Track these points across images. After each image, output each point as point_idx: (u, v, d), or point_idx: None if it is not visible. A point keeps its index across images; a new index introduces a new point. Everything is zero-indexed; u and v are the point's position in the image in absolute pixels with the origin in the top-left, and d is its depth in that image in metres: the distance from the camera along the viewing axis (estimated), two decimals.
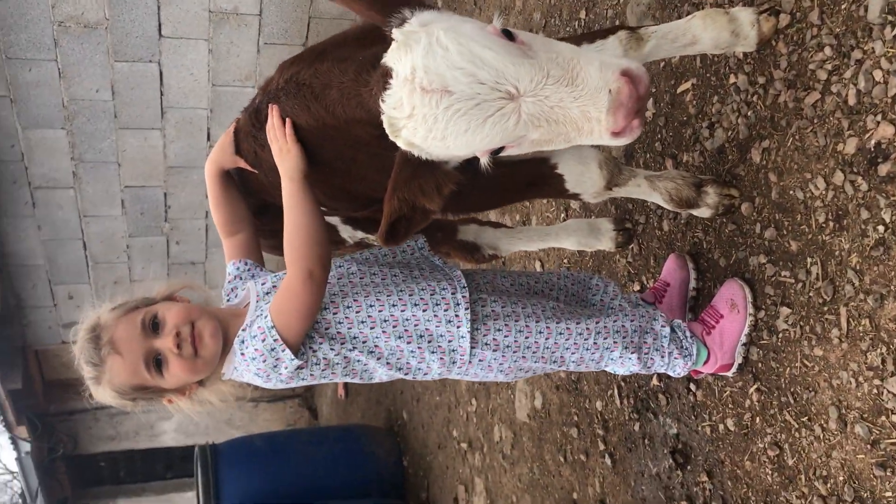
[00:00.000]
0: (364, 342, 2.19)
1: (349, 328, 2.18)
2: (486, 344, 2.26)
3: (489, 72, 1.66)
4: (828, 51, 2.25)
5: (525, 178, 2.37)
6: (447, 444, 6.18)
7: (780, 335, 2.47)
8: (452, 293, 2.25)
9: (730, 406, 2.73)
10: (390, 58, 1.77)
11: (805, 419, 2.39)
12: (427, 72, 1.67)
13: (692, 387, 2.92)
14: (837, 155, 2.23)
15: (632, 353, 2.41)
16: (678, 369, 2.53)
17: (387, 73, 1.76)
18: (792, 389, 2.44)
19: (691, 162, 2.87)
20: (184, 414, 2.29)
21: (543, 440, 4.30)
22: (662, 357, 2.47)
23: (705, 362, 2.56)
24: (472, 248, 3.07)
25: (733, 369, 2.62)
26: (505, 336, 2.27)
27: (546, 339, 2.30)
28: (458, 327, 2.22)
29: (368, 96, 1.88)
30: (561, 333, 2.32)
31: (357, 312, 2.18)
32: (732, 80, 2.63)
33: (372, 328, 2.18)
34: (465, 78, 1.65)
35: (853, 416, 2.21)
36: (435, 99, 1.67)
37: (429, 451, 6.61)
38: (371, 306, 2.19)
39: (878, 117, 2.09)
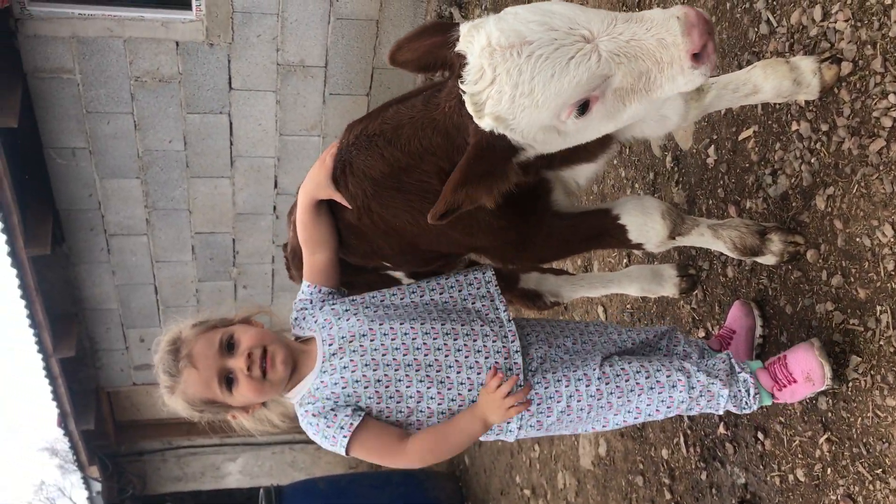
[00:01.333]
0: (418, 429, 2.27)
1: (407, 416, 2.26)
2: (531, 426, 2.33)
3: (561, 19, 1.70)
4: (892, 98, 2.24)
5: (588, 230, 2.39)
6: (510, 491, 6.14)
7: (850, 384, 2.42)
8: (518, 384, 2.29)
9: (799, 456, 2.67)
10: (462, 44, 1.81)
11: (879, 471, 2.33)
12: (502, 31, 1.71)
13: (760, 436, 2.87)
14: None
15: (677, 413, 2.41)
16: (734, 411, 2.48)
17: (460, 60, 1.80)
18: (864, 440, 2.39)
19: (754, 209, 2.86)
20: (245, 431, 2.39)
21: (608, 488, 4.25)
22: (717, 411, 2.44)
23: (775, 400, 2.50)
24: (533, 295, 3.09)
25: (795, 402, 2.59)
26: (547, 416, 2.31)
27: (588, 413, 2.33)
28: (508, 422, 2.30)
29: (441, 116, 1.96)
30: (602, 407, 2.34)
31: (418, 402, 2.25)
32: (795, 127, 2.63)
33: (429, 417, 2.27)
34: (540, 27, 1.69)
35: None
36: (516, 51, 1.68)
37: (491, 497, 6.57)
38: (431, 398, 2.25)
39: None
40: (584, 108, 1.77)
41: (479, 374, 2.27)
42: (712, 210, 3.14)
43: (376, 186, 2.23)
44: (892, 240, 2.26)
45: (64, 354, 7.82)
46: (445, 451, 2.29)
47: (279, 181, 7.54)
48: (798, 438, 2.68)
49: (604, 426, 2.41)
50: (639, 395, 2.33)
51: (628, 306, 3.97)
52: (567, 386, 2.31)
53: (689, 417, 3.38)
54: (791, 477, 2.71)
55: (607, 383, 2.33)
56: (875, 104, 2.30)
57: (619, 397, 2.32)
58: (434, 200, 2.19)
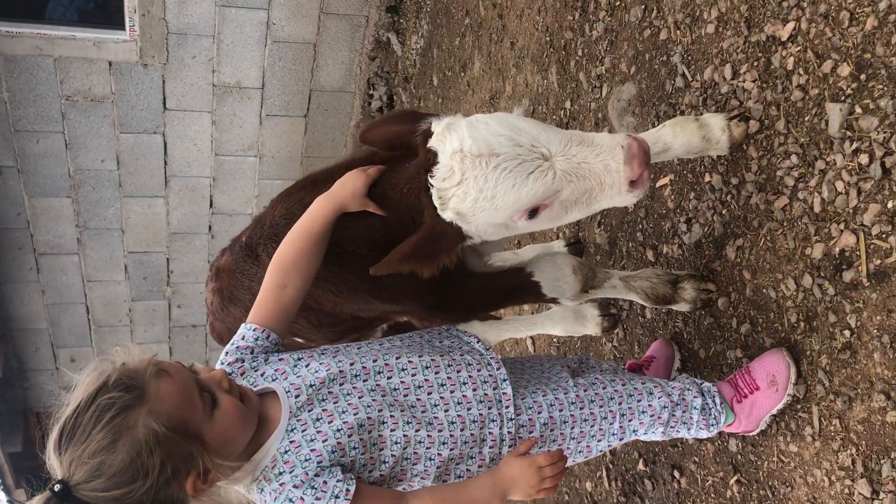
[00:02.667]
0: (400, 481, 1.98)
1: (392, 466, 1.93)
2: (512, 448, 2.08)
3: (526, 136, 1.93)
4: (794, 158, 2.35)
5: (505, 288, 2.45)
6: None
7: (760, 429, 2.52)
8: (499, 428, 2.05)
9: (712, 495, 2.76)
10: (434, 142, 2.01)
11: None
12: (475, 140, 1.92)
13: (676, 474, 2.96)
14: (806, 258, 2.31)
15: (658, 427, 2.28)
16: (701, 435, 2.41)
17: (431, 155, 2.00)
18: (770, 483, 2.48)
19: (671, 254, 2.95)
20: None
21: None
22: (689, 429, 2.34)
23: (728, 425, 2.45)
24: None
25: (754, 433, 2.53)
26: (529, 432, 2.10)
27: (571, 428, 2.16)
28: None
29: (399, 196, 2.11)
30: (585, 420, 2.18)
31: (404, 448, 1.93)
32: (708, 178, 2.73)
33: (415, 464, 1.96)
34: (507, 142, 1.91)
35: None
36: (484, 161, 1.90)
37: None
38: (420, 443, 1.95)
39: (842, 226, 2.18)
40: (533, 213, 2.02)
41: (468, 409, 2.01)
42: (632, 252, 3.23)
43: None
44: (794, 293, 2.36)
45: None
46: None
47: (214, 200, 7.47)
48: (711, 478, 2.77)
49: (587, 453, 2.24)
50: (619, 404, 2.22)
51: (555, 340, 4.04)
52: (545, 395, 2.16)
53: (610, 452, 3.46)
54: None
55: (585, 390, 2.22)
56: (779, 163, 2.41)
57: (600, 406, 2.21)
58: (359, 265, 2.21)
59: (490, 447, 2.03)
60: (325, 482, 1.78)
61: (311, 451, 1.81)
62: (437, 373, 2.03)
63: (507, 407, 2.06)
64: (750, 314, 2.55)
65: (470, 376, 2.06)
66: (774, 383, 2.38)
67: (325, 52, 6.77)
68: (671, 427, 2.30)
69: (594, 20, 3.54)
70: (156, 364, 1.69)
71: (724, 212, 2.67)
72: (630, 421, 2.24)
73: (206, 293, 2.71)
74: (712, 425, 2.37)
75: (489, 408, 2.03)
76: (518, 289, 2.45)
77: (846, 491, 2.19)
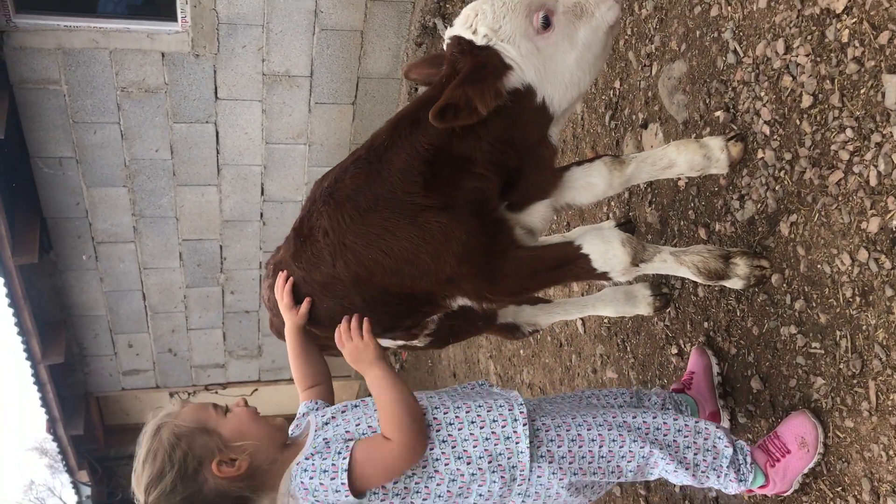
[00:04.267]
0: (424, 467, 2.14)
1: (411, 474, 2.14)
2: (541, 456, 2.23)
3: None
4: (849, 132, 2.33)
5: (552, 261, 2.45)
6: None
7: (813, 405, 2.51)
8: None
9: None
10: (448, 34, 2.35)
11: (839, 489, 2.42)
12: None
13: None
14: (861, 233, 2.29)
15: (683, 471, 2.34)
16: (731, 490, 2.46)
17: (450, 42, 2.33)
18: (825, 459, 2.48)
19: (723, 231, 2.94)
20: None
21: None
22: (719, 477, 2.39)
23: (761, 486, 2.52)
24: (512, 328, 3.15)
25: (789, 493, 2.60)
26: (558, 447, 2.25)
27: (599, 447, 2.29)
28: (517, 443, 2.20)
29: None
30: (614, 440, 2.30)
31: (423, 467, 2.15)
32: (760, 154, 2.72)
33: (431, 449, 2.15)
34: None
35: (885, 489, 2.25)
36: None
37: None
38: (437, 460, 2.15)
39: None
40: (546, 22, 2.27)
41: (481, 428, 2.20)
42: (684, 231, 3.22)
43: (356, 210, 2.31)
44: (849, 268, 2.35)
45: (52, 361, 7.88)
46: (399, 407, 2.14)
47: (266, 188, 7.60)
48: None
49: (619, 474, 2.34)
50: (646, 434, 2.33)
51: (605, 321, 4.05)
52: (574, 418, 2.32)
53: None
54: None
55: (614, 416, 2.36)
56: (833, 137, 2.39)
57: (628, 431, 2.32)
58: (407, 217, 2.28)
59: (508, 458, 2.21)
60: (328, 447, 2.10)
61: (324, 439, 2.15)
62: (467, 412, 2.24)
63: (517, 443, 2.20)
64: (804, 290, 2.54)
65: (500, 414, 2.25)
66: (805, 444, 2.48)
67: (371, 39, 6.83)
68: (702, 472, 2.37)
69: None
70: (185, 403, 2.19)
71: (777, 188, 2.65)
72: (661, 449, 2.32)
73: (263, 290, 2.81)
74: (742, 481, 2.44)
75: (503, 426, 2.23)
76: (566, 262, 2.45)
77: None
